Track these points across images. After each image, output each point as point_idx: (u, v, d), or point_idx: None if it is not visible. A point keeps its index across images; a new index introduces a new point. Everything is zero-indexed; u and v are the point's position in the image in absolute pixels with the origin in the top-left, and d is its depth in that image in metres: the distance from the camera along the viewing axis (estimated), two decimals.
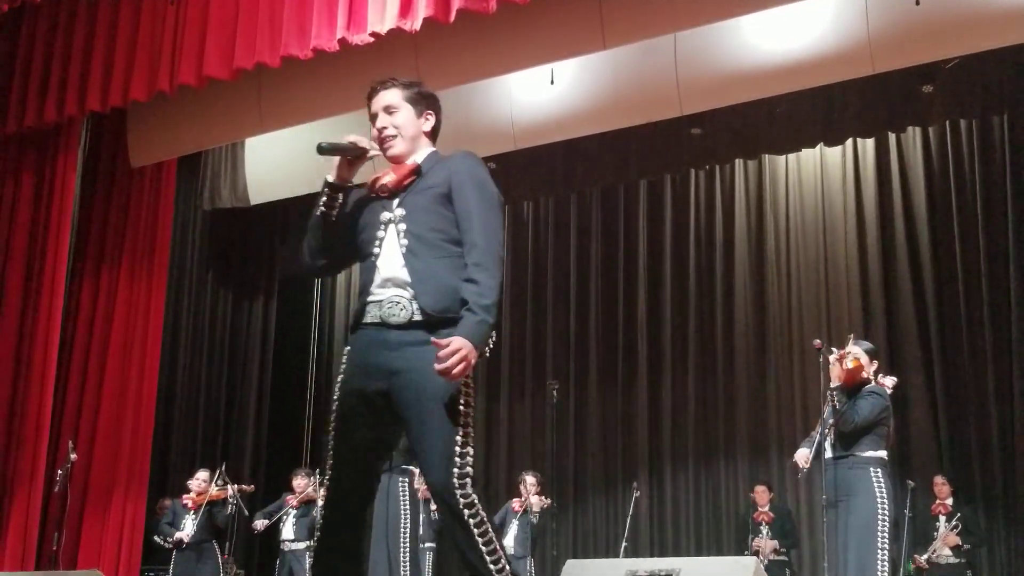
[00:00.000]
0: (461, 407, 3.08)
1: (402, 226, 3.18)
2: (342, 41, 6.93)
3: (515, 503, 9.58)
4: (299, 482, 9.47)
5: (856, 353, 6.06)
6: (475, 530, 3.00)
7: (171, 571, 8.57)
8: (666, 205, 11.23)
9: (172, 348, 10.13)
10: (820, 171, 10.51)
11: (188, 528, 8.63)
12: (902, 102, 9.06)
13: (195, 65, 7.39)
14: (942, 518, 8.80)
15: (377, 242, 3.20)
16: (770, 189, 10.79)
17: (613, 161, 10.15)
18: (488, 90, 9.18)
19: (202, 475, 8.85)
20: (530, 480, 9.53)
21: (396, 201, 3.23)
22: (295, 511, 9.35)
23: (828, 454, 6.05)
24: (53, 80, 7.88)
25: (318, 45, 7.00)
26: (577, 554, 10.09)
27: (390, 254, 3.18)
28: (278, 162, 10.16)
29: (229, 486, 8.80)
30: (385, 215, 3.22)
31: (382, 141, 3.30)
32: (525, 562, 9.33)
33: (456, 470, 3.00)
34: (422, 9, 6.61)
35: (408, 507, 6.55)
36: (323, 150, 3.27)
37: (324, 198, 3.30)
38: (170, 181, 9.32)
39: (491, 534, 3.04)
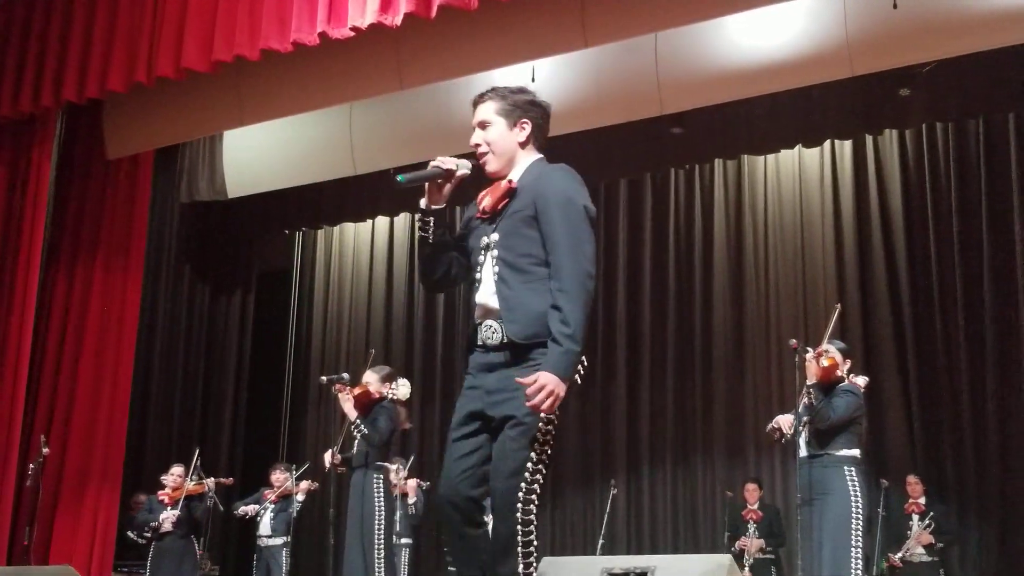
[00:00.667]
0: (540, 429, 3.14)
1: (495, 252, 3.24)
2: (322, 35, 6.90)
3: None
4: (277, 476, 9.42)
5: (831, 352, 6.12)
6: (520, 549, 3.07)
7: (148, 566, 8.49)
8: (646, 204, 11.24)
9: (148, 342, 10.06)
10: (798, 172, 10.56)
11: (168, 522, 8.52)
12: (879, 104, 9.09)
13: (173, 57, 7.35)
14: (915, 517, 8.86)
15: (478, 268, 3.29)
16: (749, 189, 10.82)
17: (593, 159, 10.09)
18: (469, 87, 9.14)
19: (176, 470, 8.75)
20: None
21: (493, 225, 3.28)
22: (273, 506, 9.29)
23: (803, 453, 6.11)
24: (29, 70, 7.82)
25: (298, 39, 6.98)
26: (555, 551, 10.08)
27: (486, 281, 3.26)
28: (257, 155, 10.13)
29: (207, 480, 8.74)
30: (484, 240, 3.28)
31: (478, 157, 3.35)
32: None
33: (524, 486, 3.09)
34: (403, 4, 6.59)
35: (383, 503, 6.52)
36: (404, 183, 3.29)
37: (419, 223, 3.35)
38: (147, 173, 9.27)
39: (534, 564, 3.09)
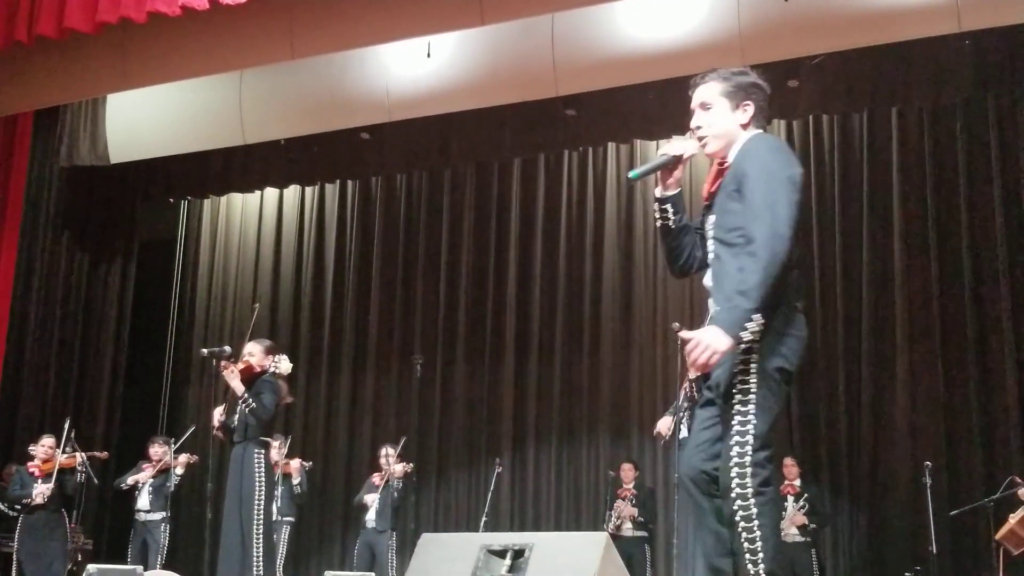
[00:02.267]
0: (751, 395, 3.14)
1: (711, 232, 3.29)
2: (212, 0, 6.80)
3: (375, 477, 9.61)
4: (156, 450, 9.32)
5: None
6: (740, 522, 3.07)
7: (16, 539, 8.32)
8: (539, 185, 11.32)
9: (22, 310, 9.85)
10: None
11: (40, 496, 8.33)
12: (769, 94, 9.29)
13: (56, 16, 7.18)
14: (790, 498, 8.97)
15: (708, 253, 3.35)
16: None
17: (488, 138, 10.17)
18: (363, 60, 9.13)
19: (47, 441, 8.59)
20: (391, 452, 9.59)
21: (711, 208, 3.32)
22: (151, 480, 9.17)
23: (684, 434, 6.19)
24: None
25: (187, 3, 6.89)
26: (438, 529, 10.15)
27: (711, 262, 3.33)
28: (142, 120, 9.94)
29: (78, 453, 8.57)
30: (707, 224, 3.34)
31: (699, 139, 3.35)
32: (387, 536, 9.37)
33: (735, 457, 3.08)
34: None
35: (263, 480, 6.43)
36: (636, 178, 3.38)
37: (658, 212, 3.37)
38: (25, 135, 9.03)
39: (758, 532, 3.07)
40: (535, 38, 8.49)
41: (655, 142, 10.59)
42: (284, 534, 9.41)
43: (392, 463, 9.52)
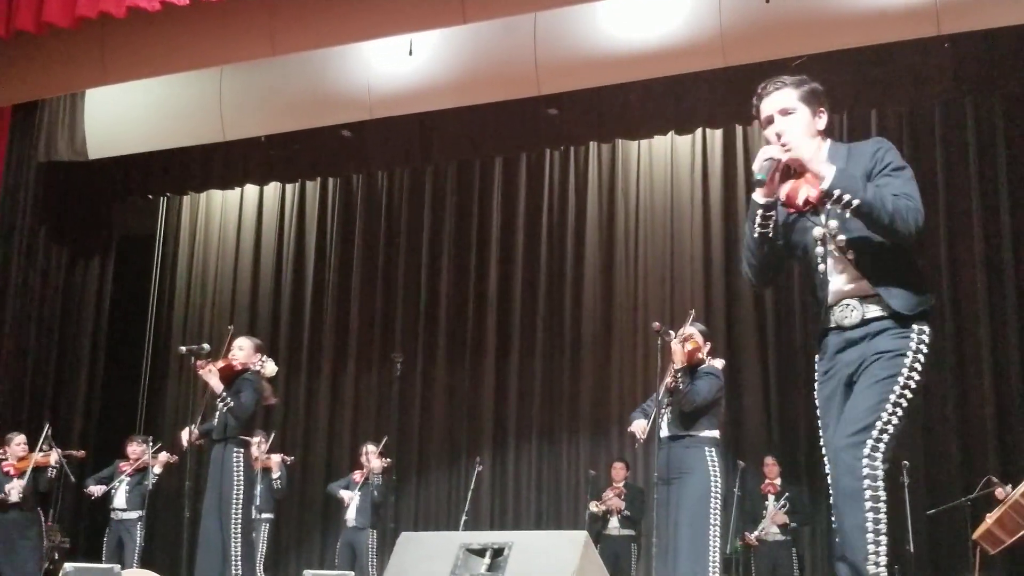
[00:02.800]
0: (899, 384, 3.14)
1: (841, 238, 3.22)
2: None
3: (356, 474, 9.60)
4: (133, 448, 9.25)
5: (694, 335, 6.25)
6: (867, 503, 3.06)
7: None
8: (520, 184, 11.32)
9: None
10: (671, 158, 10.73)
11: (15, 493, 8.27)
12: (750, 96, 9.17)
13: (34, 10, 7.14)
14: (771, 497, 9.06)
15: (819, 259, 3.27)
16: (622, 173, 10.97)
17: (470, 136, 10.16)
18: (345, 57, 9.12)
19: (19, 439, 8.49)
20: (372, 449, 9.57)
21: (820, 216, 3.27)
22: (128, 479, 9.11)
23: (664, 433, 6.15)
24: None
25: None
26: (418, 527, 10.13)
27: (832, 268, 3.27)
28: (121, 116, 9.88)
29: (54, 451, 8.50)
30: (818, 231, 3.27)
31: (783, 145, 3.29)
32: (367, 534, 9.37)
33: (870, 440, 3.08)
34: None
35: (242, 478, 6.42)
36: (763, 179, 3.27)
37: (759, 219, 3.31)
38: (2, 129, 8.96)
39: (883, 516, 3.06)
40: (517, 37, 8.50)
41: (636, 142, 10.68)
42: (264, 532, 9.38)
43: (372, 458, 9.51)
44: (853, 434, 3.12)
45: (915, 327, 3.20)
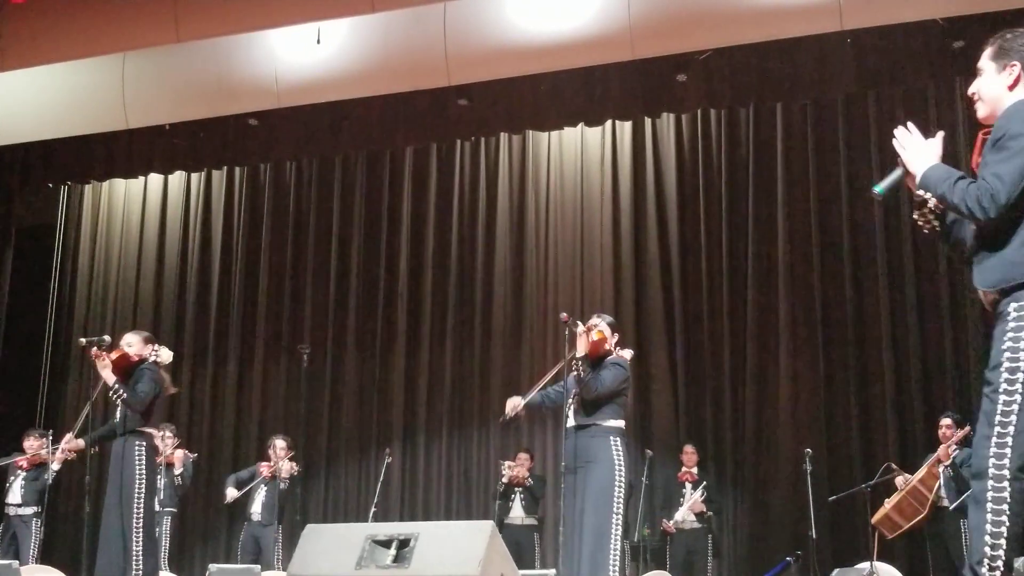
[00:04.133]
0: (1005, 379, 3.04)
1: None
2: None
3: (264, 467, 9.54)
4: (31, 443, 9.09)
5: (600, 326, 6.29)
6: (989, 503, 2.99)
7: None
8: (431, 174, 11.33)
9: None
10: (580, 150, 10.82)
11: None
12: (658, 88, 9.37)
13: None
14: (689, 485, 9.22)
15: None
16: (533, 165, 11.04)
17: (379, 126, 10.11)
18: (252, 45, 9.05)
19: None
20: (280, 444, 9.51)
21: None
22: (24, 473, 8.98)
23: (571, 422, 6.20)
24: None
25: None
26: (327, 520, 10.11)
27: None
28: (20, 103, 9.71)
29: None
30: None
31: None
32: (272, 528, 9.30)
33: (995, 437, 3.00)
34: None
35: (144, 471, 6.32)
36: (882, 193, 3.31)
37: (929, 216, 3.36)
38: None
39: (1006, 521, 2.98)
40: (427, 27, 8.53)
41: (547, 133, 10.75)
42: (166, 526, 9.25)
43: (280, 455, 9.46)
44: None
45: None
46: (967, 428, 8.09)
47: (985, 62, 3.31)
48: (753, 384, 9.87)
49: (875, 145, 9.79)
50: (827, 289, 9.83)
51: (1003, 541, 2.98)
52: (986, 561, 2.98)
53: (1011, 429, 3.01)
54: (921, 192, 3.27)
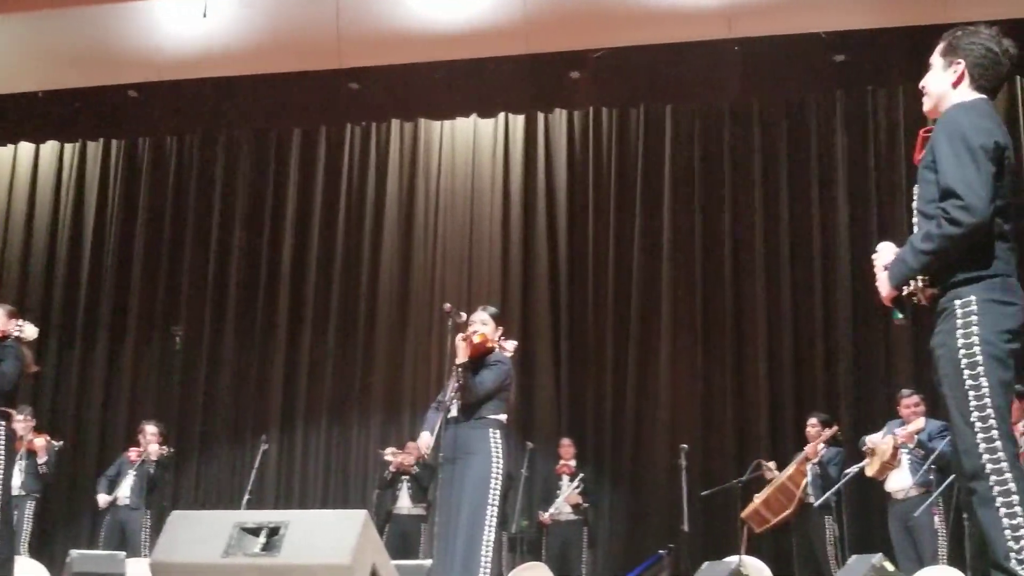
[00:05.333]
0: (980, 367, 3.06)
1: (915, 203, 3.28)
2: None
3: (132, 452, 9.34)
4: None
5: (481, 328, 6.24)
6: (998, 498, 2.98)
7: None
8: (319, 158, 11.25)
9: None
10: (472, 141, 10.89)
11: None
12: (551, 84, 9.51)
13: None
14: (566, 478, 9.34)
15: (914, 225, 3.32)
16: (424, 153, 11.04)
17: (266, 106, 10.05)
18: (134, 13, 8.94)
19: None
20: (151, 430, 9.34)
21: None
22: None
23: (452, 413, 6.26)
24: None
25: None
26: (200, 507, 9.95)
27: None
28: None
29: None
30: (914, 193, 3.33)
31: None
32: (140, 513, 9.14)
33: (979, 434, 3.02)
34: None
35: (2, 453, 6.07)
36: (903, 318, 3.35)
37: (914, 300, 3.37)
38: None
39: (1020, 512, 2.98)
40: (320, 7, 8.57)
41: (439, 122, 10.78)
42: (28, 510, 9.02)
43: (150, 439, 9.30)
44: None
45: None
46: (834, 428, 8.43)
47: (935, 57, 3.39)
48: (634, 380, 10.05)
49: (758, 151, 10.07)
50: (708, 292, 10.05)
51: (1023, 532, 2.98)
52: (1012, 555, 2.95)
53: (992, 422, 3.04)
54: (912, 285, 3.25)
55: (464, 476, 6.00)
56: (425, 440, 6.38)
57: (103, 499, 9.23)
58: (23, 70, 9.29)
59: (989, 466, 3.00)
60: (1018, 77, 9.00)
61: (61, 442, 9.64)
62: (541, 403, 10.13)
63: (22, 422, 8.45)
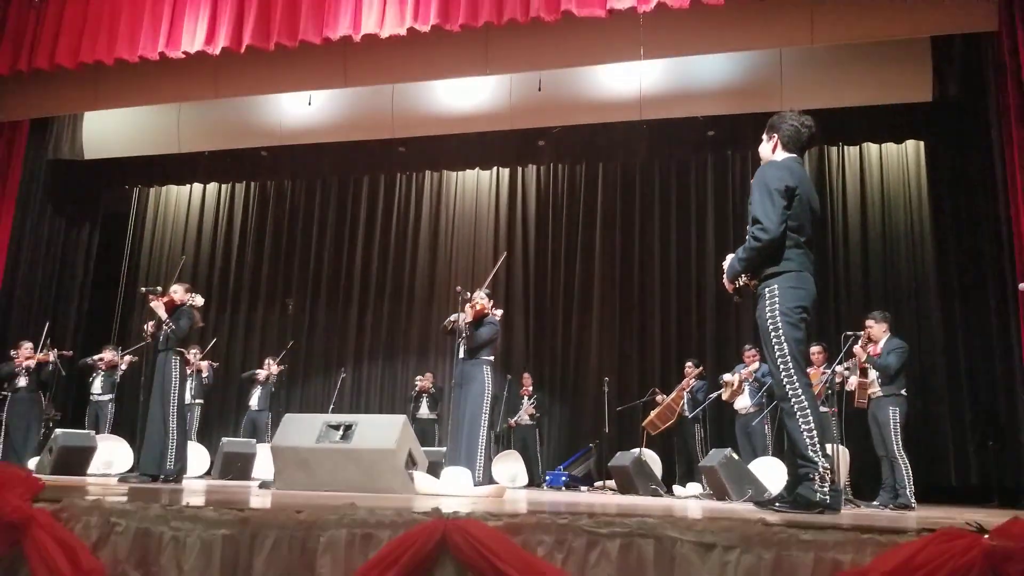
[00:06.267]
0: (773, 335, 3.07)
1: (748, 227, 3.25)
2: (161, 54, 6.76)
3: (260, 373, 9.50)
4: (108, 354, 9.06)
5: (480, 298, 6.34)
6: (797, 413, 2.99)
7: (5, 411, 7.98)
8: (379, 194, 10.94)
9: (16, 257, 9.28)
10: (476, 185, 10.77)
11: (23, 380, 8.06)
12: (526, 148, 9.56)
13: (48, 54, 6.97)
14: (526, 398, 9.48)
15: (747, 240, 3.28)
16: (445, 192, 10.77)
17: (346, 161, 9.97)
18: (266, 101, 8.92)
19: (27, 344, 8.22)
20: (271, 361, 9.49)
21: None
22: (103, 373, 8.91)
23: (460, 354, 6.30)
24: None
25: (144, 54, 6.81)
26: (303, 411, 9.56)
27: None
28: (108, 129, 9.58)
29: (51, 352, 8.24)
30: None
31: None
32: (265, 414, 9.25)
33: (783, 372, 3.06)
34: (221, 39, 6.58)
35: (177, 375, 5.91)
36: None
37: (744, 290, 3.33)
38: (23, 135, 8.60)
39: (811, 420, 2.97)
40: (381, 97, 8.47)
41: (455, 173, 10.69)
42: (197, 412, 9.23)
43: (272, 366, 9.51)
44: None
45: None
46: (700, 368, 8.44)
47: (765, 132, 3.37)
48: (575, 337, 10.00)
49: (657, 194, 9.98)
50: (623, 283, 9.85)
51: (815, 433, 2.98)
52: (809, 448, 2.96)
53: (790, 365, 3.05)
54: (741, 280, 3.25)
55: (467, 396, 6.05)
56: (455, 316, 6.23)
57: (255, 401, 9.33)
58: (195, 138, 9.29)
59: (790, 392, 3.02)
60: (826, 146, 9.07)
61: (216, 363, 9.82)
62: (515, 350, 10.09)
63: (192, 356, 8.75)
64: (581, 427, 9.64)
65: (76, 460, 7.14)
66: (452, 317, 6.31)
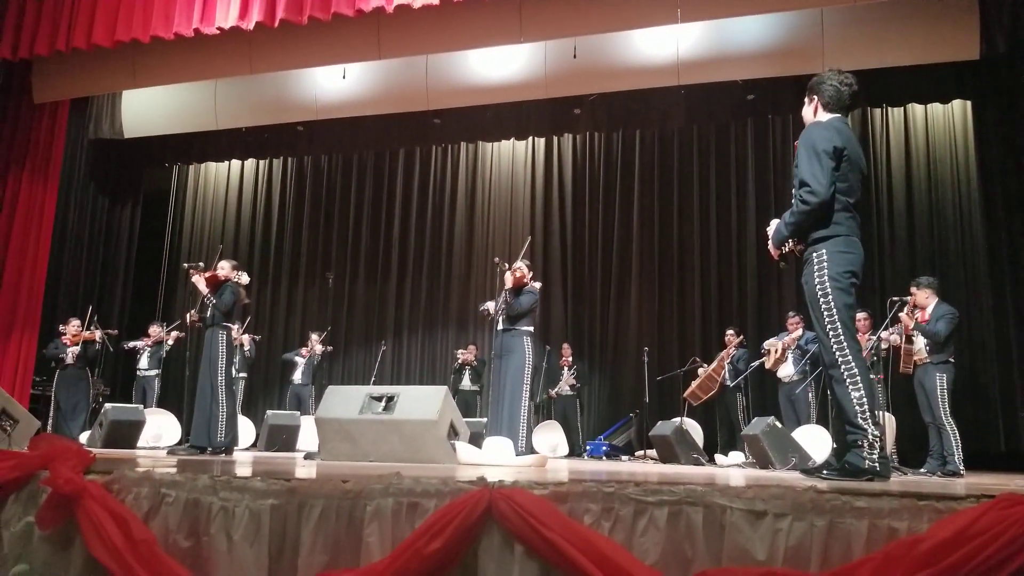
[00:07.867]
0: (823, 301, 3.03)
1: (793, 190, 3.23)
2: (196, 31, 6.79)
3: (303, 349, 9.62)
4: (154, 329, 9.22)
5: (521, 268, 6.28)
6: (847, 379, 2.96)
7: (54, 386, 8.21)
8: (415, 166, 10.97)
9: (61, 236, 9.49)
10: (512, 156, 10.70)
11: (71, 357, 8.27)
12: (562, 118, 9.49)
13: (86, 34, 7.04)
14: (566, 369, 9.42)
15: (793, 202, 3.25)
16: (481, 164, 10.82)
17: (382, 134, 9.97)
18: (300, 76, 8.85)
19: (74, 321, 8.40)
20: (314, 337, 9.54)
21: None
22: (150, 348, 9.07)
23: (500, 326, 6.37)
24: None
25: (179, 31, 6.84)
26: (345, 383, 9.76)
27: None
28: (147, 108, 9.64)
29: (97, 330, 8.44)
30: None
31: None
32: (308, 388, 9.35)
33: (832, 338, 3.01)
34: (255, 14, 6.57)
35: (224, 350, 6.03)
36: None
37: (790, 254, 3.31)
38: (64, 115, 8.74)
39: (861, 386, 2.94)
40: (415, 69, 8.49)
41: (491, 144, 10.66)
42: (241, 386, 9.36)
43: (315, 343, 9.61)
44: None
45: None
46: (741, 336, 8.40)
47: (805, 96, 3.33)
48: (614, 306, 9.97)
49: (696, 161, 9.87)
50: (663, 250, 9.81)
51: (865, 400, 2.96)
52: (858, 415, 2.95)
53: (839, 329, 3.01)
54: (788, 246, 3.21)
55: (508, 367, 6.01)
56: (490, 306, 6.25)
57: (298, 375, 9.42)
58: (232, 114, 9.28)
59: (840, 358, 2.98)
60: (869, 107, 8.92)
61: (259, 337, 9.93)
62: (554, 320, 10.09)
63: (236, 331, 8.87)
64: (621, 397, 9.65)
65: (126, 434, 7.27)
66: (487, 304, 6.29)
